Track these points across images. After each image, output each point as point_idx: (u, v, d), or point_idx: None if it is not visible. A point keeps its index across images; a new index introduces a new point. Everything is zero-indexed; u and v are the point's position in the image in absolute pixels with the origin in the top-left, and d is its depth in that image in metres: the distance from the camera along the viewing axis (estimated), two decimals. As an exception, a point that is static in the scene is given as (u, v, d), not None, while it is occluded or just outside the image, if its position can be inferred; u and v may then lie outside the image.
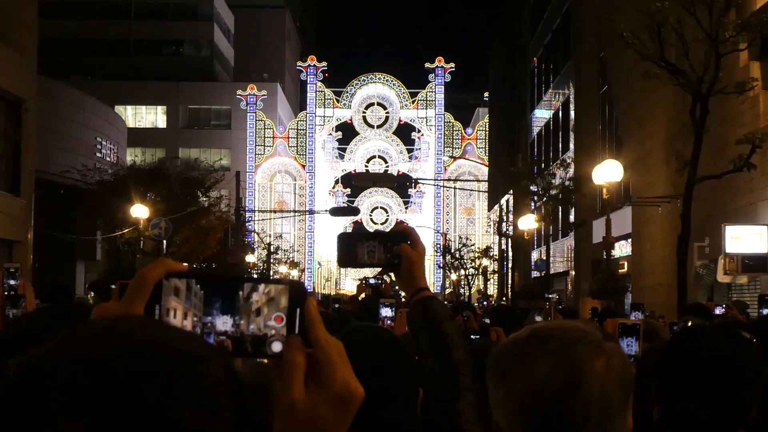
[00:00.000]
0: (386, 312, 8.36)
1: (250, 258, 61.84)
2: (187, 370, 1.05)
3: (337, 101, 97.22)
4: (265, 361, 1.36)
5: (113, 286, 6.45)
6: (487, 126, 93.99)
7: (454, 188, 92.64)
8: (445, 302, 35.10)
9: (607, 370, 2.10)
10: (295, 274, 78.40)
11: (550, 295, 21.03)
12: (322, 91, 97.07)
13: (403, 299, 16.22)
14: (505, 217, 62.17)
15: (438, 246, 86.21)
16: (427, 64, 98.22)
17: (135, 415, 0.99)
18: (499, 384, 2.16)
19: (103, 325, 1.10)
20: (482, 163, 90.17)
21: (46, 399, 1.00)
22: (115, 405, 1.00)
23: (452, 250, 79.18)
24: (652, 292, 31.21)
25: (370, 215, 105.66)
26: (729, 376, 3.11)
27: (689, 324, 8.46)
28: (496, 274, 69.78)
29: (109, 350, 1.04)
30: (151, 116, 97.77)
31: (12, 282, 7.41)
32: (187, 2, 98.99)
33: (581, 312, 27.41)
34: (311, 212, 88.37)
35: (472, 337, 8.29)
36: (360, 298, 14.04)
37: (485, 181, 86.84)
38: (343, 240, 3.12)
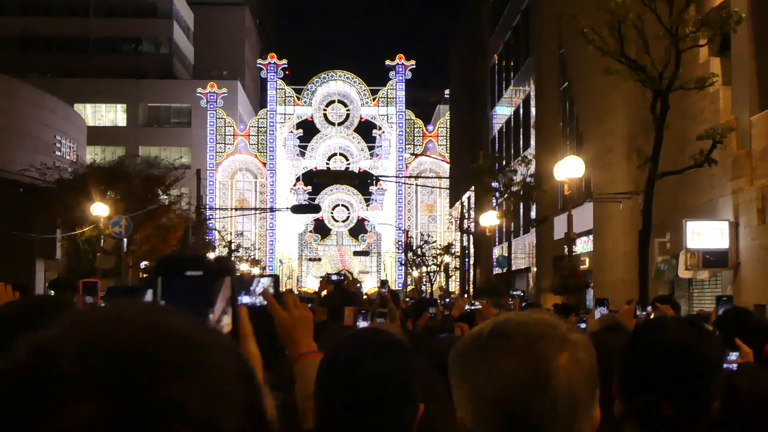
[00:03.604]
0: (363, 324, 8.03)
1: (211, 256, 61.62)
2: (196, 356, 1.05)
3: (298, 99, 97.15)
4: None
5: (75, 286, 6.43)
6: (448, 123, 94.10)
7: (416, 185, 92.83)
8: (407, 299, 35.14)
9: (573, 365, 2.07)
10: (256, 271, 78.22)
11: (515, 292, 21.09)
12: (282, 89, 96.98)
13: (365, 297, 16.20)
14: (466, 214, 62.27)
15: (400, 243, 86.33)
16: (387, 62, 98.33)
17: (144, 401, 0.99)
18: (463, 382, 2.13)
19: (112, 311, 1.10)
20: (443, 160, 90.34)
21: (56, 381, 0.99)
22: (124, 390, 0.99)
23: (414, 247, 79.29)
24: (613, 288, 31.34)
25: (332, 213, 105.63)
26: (692, 369, 3.09)
27: (651, 316, 8.50)
28: (458, 271, 69.93)
29: (120, 335, 1.04)
30: (110, 114, 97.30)
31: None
32: (147, 0, 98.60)
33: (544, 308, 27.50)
34: (272, 210, 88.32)
35: (440, 335, 8.22)
36: (322, 295, 14.03)
37: (446, 178, 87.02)
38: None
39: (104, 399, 0.98)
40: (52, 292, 17.26)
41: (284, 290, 3.34)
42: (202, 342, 1.07)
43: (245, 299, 2.73)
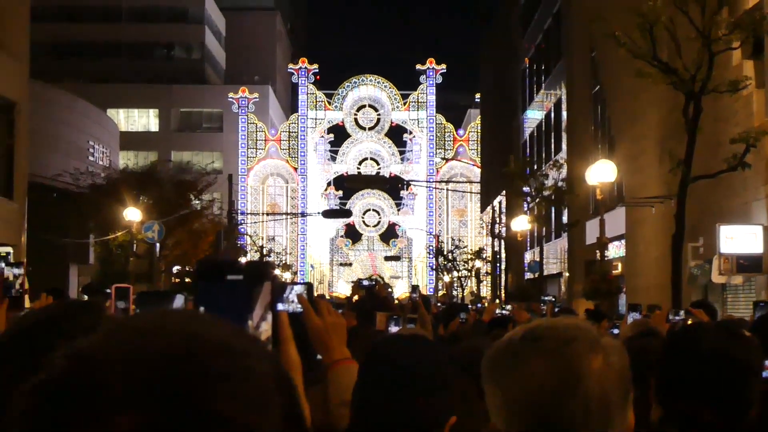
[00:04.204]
0: (394, 329, 8.01)
1: (243, 261, 61.74)
2: (236, 365, 1.05)
3: (329, 103, 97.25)
4: None
5: (108, 290, 6.48)
6: (479, 127, 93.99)
7: (447, 190, 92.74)
8: (439, 304, 35.11)
9: (605, 368, 2.07)
10: (288, 276, 78.36)
11: (546, 297, 21.00)
12: (313, 94, 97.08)
13: (396, 302, 16.19)
14: (497, 219, 62.21)
15: (430, 248, 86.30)
16: (418, 66, 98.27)
17: (186, 410, 1.00)
18: (496, 386, 2.13)
19: (152, 319, 1.10)
20: (474, 165, 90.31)
21: (98, 391, 0.99)
22: (166, 399, 1.00)
23: (445, 252, 79.22)
24: (645, 292, 31.19)
25: (363, 217, 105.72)
26: (730, 374, 3.08)
27: (689, 322, 8.45)
28: (489, 276, 69.81)
29: (161, 344, 1.04)
30: (143, 119, 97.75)
31: (2, 265, 7.42)
32: (178, 5, 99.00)
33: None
34: (303, 215, 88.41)
35: None
36: (354, 300, 14.03)
37: (477, 182, 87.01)
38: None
39: (146, 409, 0.99)
40: (86, 297, 17.35)
41: (316, 296, 3.37)
42: (241, 350, 1.08)
43: (279, 306, 2.75)
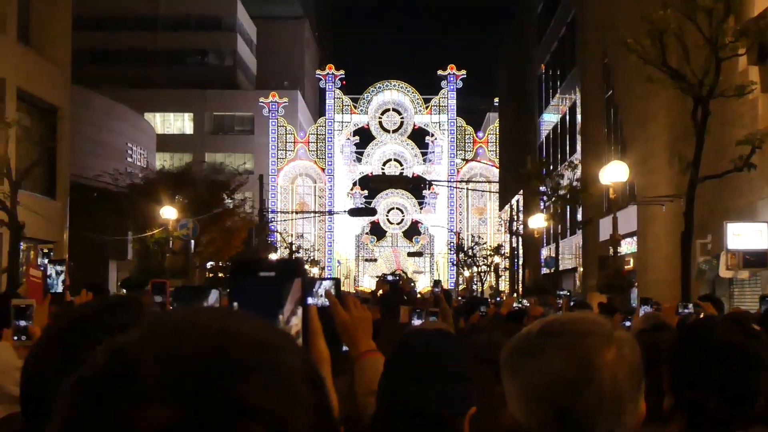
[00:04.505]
0: (417, 322, 7.98)
1: (273, 257, 61.90)
2: (268, 358, 1.06)
3: (355, 107, 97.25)
4: None
5: (147, 288, 6.49)
6: (497, 130, 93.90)
7: (467, 189, 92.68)
8: (459, 298, 35.08)
9: (618, 360, 2.09)
10: (315, 272, 78.46)
11: (562, 292, 20.96)
12: (340, 98, 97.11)
13: (419, 296, 16.19)
14: (515, 217, 62.20)
15: (451, 244, 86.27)
16: (439, 71, 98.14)
17: (219, 403, 1.00)
18: (514, 378, 2.15)
19: (187, 316, 1.11)
20: (493, 165, 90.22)
21: (135, 384, 1.00)
22: (200, 392, 1.00)
23: (465, 249, 79.17)
24: (656, 287, 31.11)
25: (387, 215, 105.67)
26: (739, 366, 3.08)
27: (701, 316, 8.43)
28: (508, 271, 69.75)
29: (195, 340, 1.05)
30: (178, 123, 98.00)
31: (46, 261, 7.47)
32: (211, 14, 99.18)
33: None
34: (331, 213, 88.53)
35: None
36: (378, 294, 14.03)
37: (496, 182, 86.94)
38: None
39: (181, 401, 0.99)
40: (124, 291, 17.43)
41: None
42: (272, 344, 1.08)
43: (308, 300, 2.77)
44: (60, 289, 7.29)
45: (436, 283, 12.32)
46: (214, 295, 3.26)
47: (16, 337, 5.13)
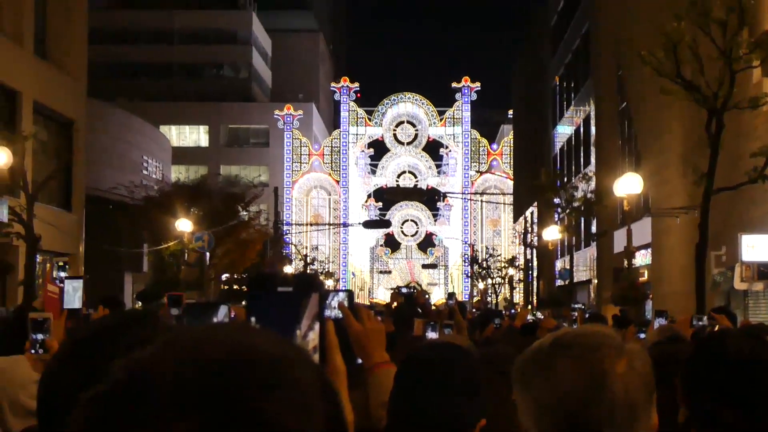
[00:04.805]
0: (431, 335, 7.88)
1: (288, 269, 61.94)
2: (285, 375, 1.07)
3: (369, 120, 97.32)
4: None
5: (164, 301, 6.51)
6: (511, 142, 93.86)
7: (481, 201, 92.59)
8: (474, 310, 35.05)
9: (629, 372, 2.09)
10: (330, 283, 78.44)
11: (576, 305, 20.94)
12: (354, 111, 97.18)
13: (433, 308, 16.18)
14: (530, 229, 62.08)
15: (466, 256, 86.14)
16: (453, 84, 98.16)
17: (238, 418, 1.01)
18: (526, 391, 2.15)
19: (205, 332, 1.12)
20: (507, 177, 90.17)
21: (155, 399, 1.01)
22: (219, 408, 1.01)
23: (479, 261, 79.07)
24: (671, 299, 31.03)
25: (401, 227, 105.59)
26: (754, 378, 3.08)
27: (716, 328, 8.41)
28: (522, 283, 69.63)
29: (213, 356, 1.05)
30: (193, 135, 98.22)
31: (63, 274, 7.52)
32: (227, 28, 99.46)
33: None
34: (345, 225, 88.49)
35: None
36: (393, 307, 14.03)
37: (510, 194, 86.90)
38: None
39: (202, 418, 1.00)
40: (140, 304, 17.48)
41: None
42: (289, 360, 1.09)
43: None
44: (77, 305, 7.32)
45: (451, 295, 12.33)
46: (222, 310, 3.27)
47: (33, 351, 5.15)
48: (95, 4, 61.77)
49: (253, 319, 1.70)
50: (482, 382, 3.20)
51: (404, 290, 13.55)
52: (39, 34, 35.62)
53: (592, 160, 50.26)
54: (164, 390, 1.01)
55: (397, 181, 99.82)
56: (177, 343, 1.08)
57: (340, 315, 2.94)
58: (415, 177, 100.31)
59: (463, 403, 3.09)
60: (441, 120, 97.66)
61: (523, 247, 65.87)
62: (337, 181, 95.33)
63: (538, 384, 2.13)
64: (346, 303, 2.96)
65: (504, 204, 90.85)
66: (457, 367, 3.16)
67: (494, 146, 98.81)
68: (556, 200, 43.37)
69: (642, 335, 9.56)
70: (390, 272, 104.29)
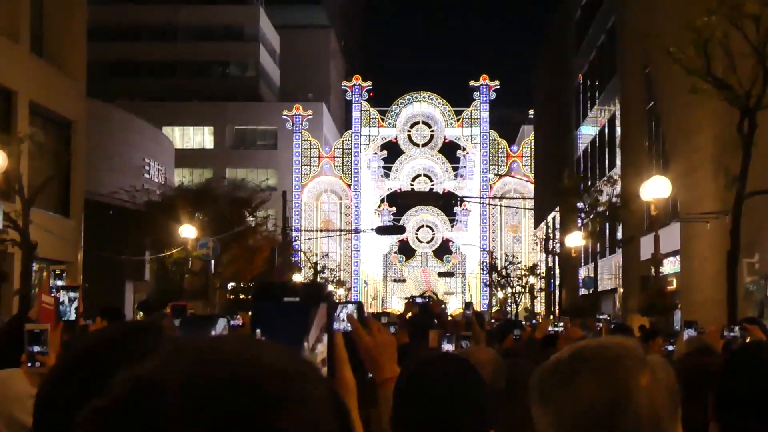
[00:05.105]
0: (448, 346, 7.84)
1: (297, 277, 61.97)
2: (293, 390, 1.07)
3: (382, 120, 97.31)
4: None
5: (166, 310, 6.53)
6: (532, 143, 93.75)
7: (500, 206, 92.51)
8: (492, 320, 35.00)
9: (654, 384, 2.09)
10: (341, 293, 78.45)
11: (602, 315, 20.90)
12: (367, 111, 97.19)
13: (450, 318, 16.18)
14: (551, 235, 62.00)
15: (484, 264, 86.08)
16: (471, 82, 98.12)
17: None
18: (546, 406, 2.15)
19: (210, 345, 1.13)
20: (528, 181, 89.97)
21: (159, 413, 1.01)
22: (227, 424, 1.01)
23: (498, 268, 79.01)
24: (701, 308, 30.97)
25: (416, 233, 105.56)
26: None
27: (747, 340, 8.39)
28: (543, 292, 69.55)
29: (220, 370, 1.06)
30: (198, 137, 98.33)
31: (59, 283, 7.52)
32: (233, 23, 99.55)
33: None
34: (357, 231, 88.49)
35: None
36: (407, 317, 14.03)
37: (531, 198, 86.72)
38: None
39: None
40: (141, 314, 17.49)
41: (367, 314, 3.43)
42: (298, 375, 1.10)
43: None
44: (73, 316, 7.32)
45: (468, 305, 12.33)
46: (221, 323, 3.28)
47: (29, 364, 5.15)
48: (95, -1, 61.99)
49: (258, 330, 1.71)
50: (485, 396, 3.22)
51: (419, 300, 13.56)
52: (36, 30, 35.71)
53: (618, 162, 50.18)
54: (172, 405, 1.02)
55: (411, 184, 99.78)
56: (182, 356, 1.09)
57: (349, 328, 2.95)
58: (431, 180, 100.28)
59: (467, 416, 3.11)
60: (458, 120, 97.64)
61: (544, 255, 65.76)
62: (349, 185, 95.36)
63: (558, 398, 2.12)
64: (355, 315, 2.97)
65: (524, 209, 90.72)
66: (459, 380, 3.18)
67: (514, 148, 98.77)
68: (580, 205, 43.34)
69: (670, 347, 9.54)
70: (404, 281, 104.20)
